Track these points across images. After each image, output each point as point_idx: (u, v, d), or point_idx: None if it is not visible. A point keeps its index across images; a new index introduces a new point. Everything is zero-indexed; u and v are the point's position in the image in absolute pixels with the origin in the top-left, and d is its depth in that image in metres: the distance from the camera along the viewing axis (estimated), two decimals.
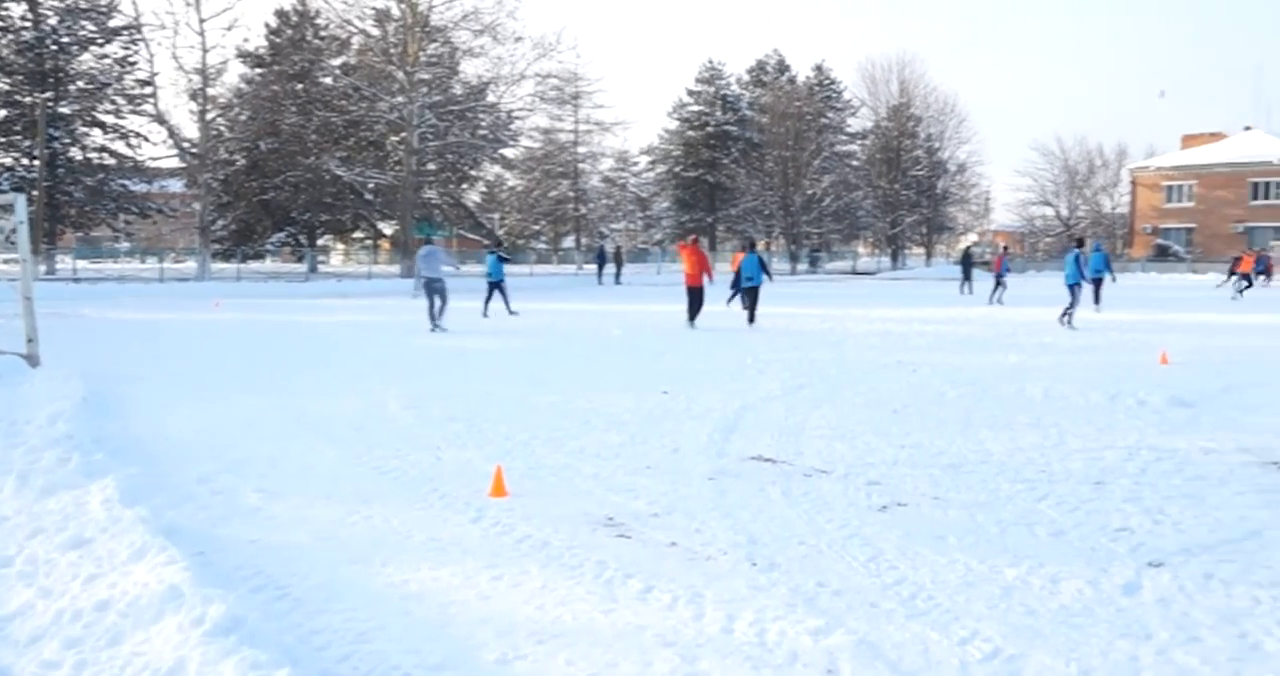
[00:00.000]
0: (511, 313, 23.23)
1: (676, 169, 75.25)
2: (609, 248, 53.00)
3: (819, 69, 78.51)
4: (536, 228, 73.43)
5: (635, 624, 4.40)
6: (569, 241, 74.10)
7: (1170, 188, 70.79)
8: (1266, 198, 66.69)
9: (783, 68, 78.82)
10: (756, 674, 3.91)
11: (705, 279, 20.08)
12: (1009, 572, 5.03)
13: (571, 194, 70.09)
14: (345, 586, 4.83)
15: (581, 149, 69.69)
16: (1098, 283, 23.56)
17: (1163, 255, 67.36)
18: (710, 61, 76.78)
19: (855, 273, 66.11)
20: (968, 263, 37.43)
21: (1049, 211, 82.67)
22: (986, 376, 12.44)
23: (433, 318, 19.17)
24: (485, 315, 23.01)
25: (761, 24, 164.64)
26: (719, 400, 10.56)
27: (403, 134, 47.88)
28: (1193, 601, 4.64)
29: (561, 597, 4.72)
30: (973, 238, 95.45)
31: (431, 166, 54.37)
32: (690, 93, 76.52)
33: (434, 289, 19.16)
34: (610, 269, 46.42)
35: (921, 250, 77.82)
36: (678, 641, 4.20)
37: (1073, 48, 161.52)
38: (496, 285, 23.92)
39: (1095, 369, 13.20)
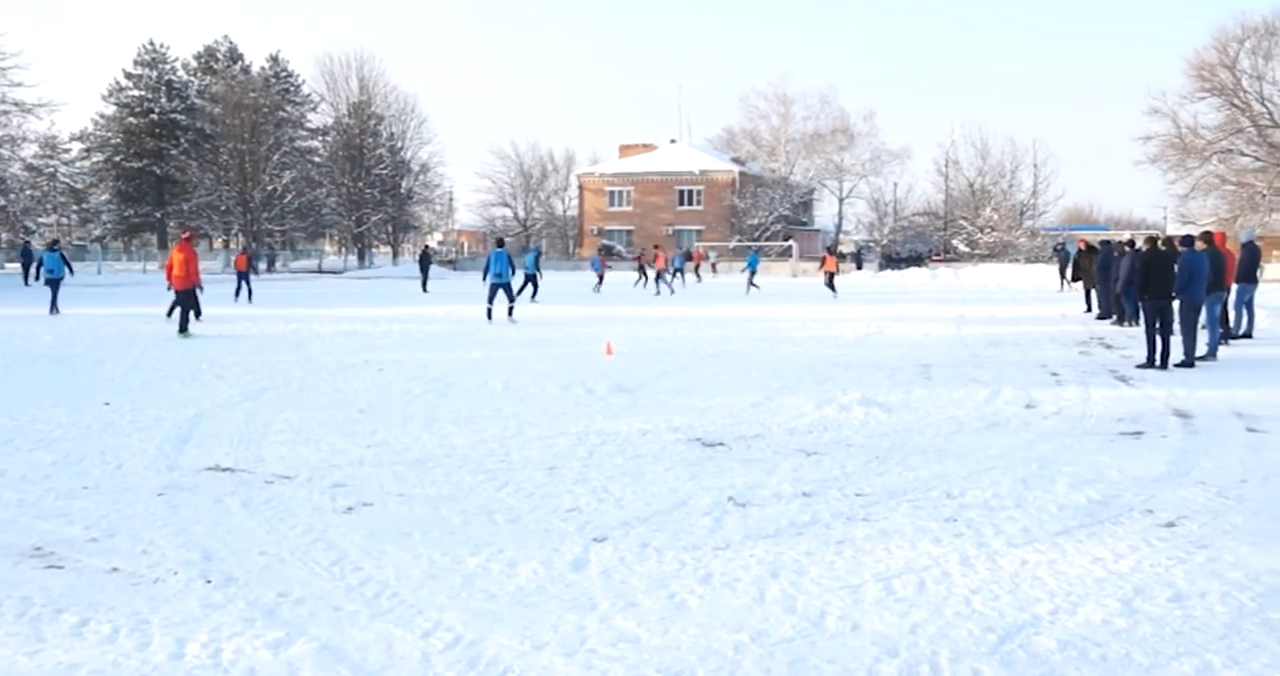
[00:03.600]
0: (54, 311, 23.01)
1: (117, 158, 68.98)
2: (37, 245, 47.13)
3: (275, 60, 75.84)
4: None
5: (67, 662, 3.94)
6: None
7: (612, 193, 77.61)
8: (690, 204, 75.50)
9: (235, 56, 75.13)
10: None
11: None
12: (470, 561, 5.20)
13: None
14: None
15: None
16: (530, 279, 26.37)
17: (609, 255, 73.62)
18: (152, 43, 71.25)
19: (321, 271, 64.82)
20: (426, 262, 38.35)
21: (508, 212, 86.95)
22: (451, 372, 12.79)
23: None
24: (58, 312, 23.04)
25: (208, 7, 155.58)
26: (170, 409, 9.83)
27: None
28: (631, 570, 5.10)
29: None
30: (438, 237, 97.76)
31: None
32: (129, 75, 70.47)
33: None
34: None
35: (389, 249, 78.12)
36: (118, 675, 3.83)
37: (523, 58, 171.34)
38: (55, 282, 23.70)
39: (550, 361, 14.09)
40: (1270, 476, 7.11)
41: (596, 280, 37.40)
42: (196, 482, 6.89)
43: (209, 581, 4.88)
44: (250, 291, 28.76)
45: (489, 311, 21.23)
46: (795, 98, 78.75)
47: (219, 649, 4.08)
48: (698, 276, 46.34)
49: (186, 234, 20.20)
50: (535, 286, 28.53)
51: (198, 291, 18.29)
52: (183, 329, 17.76)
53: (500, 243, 23.41)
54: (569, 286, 39.67)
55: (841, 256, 62.03)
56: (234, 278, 30.23)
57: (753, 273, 37.32)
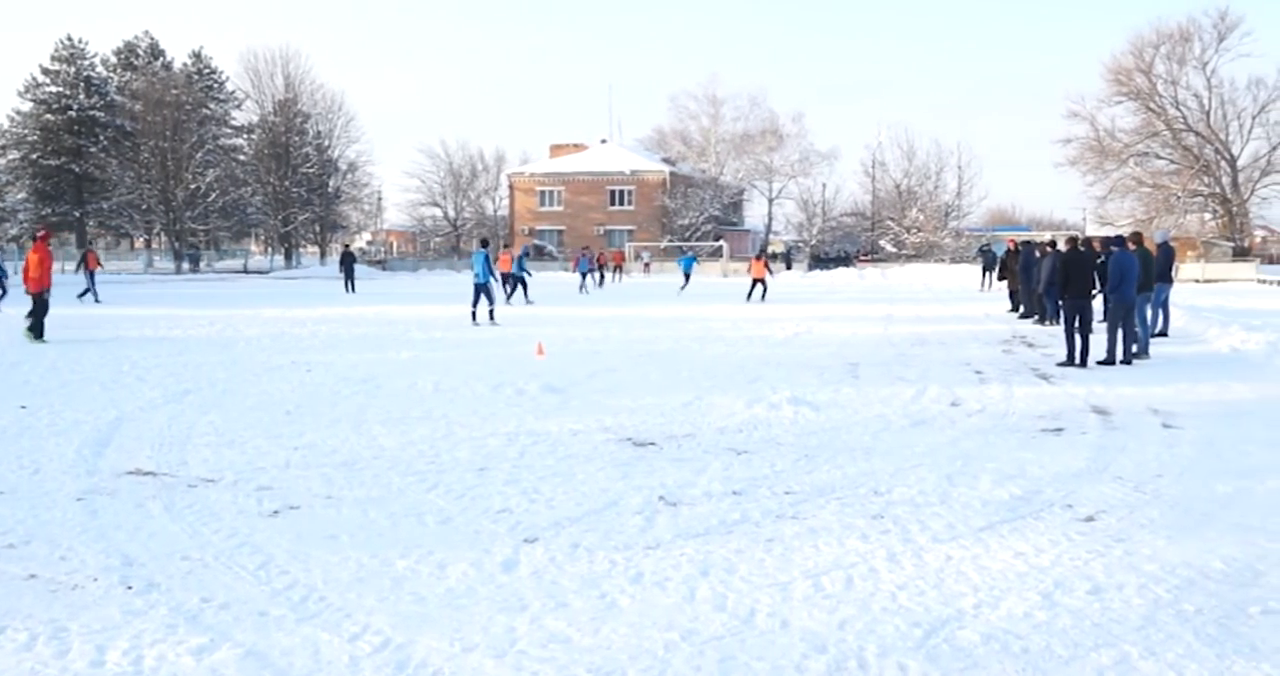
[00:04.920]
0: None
1: (34, 156, 67.19)
2: None
3: (198, 56, 74.48)
4: None
5: None
6: None
7: (543, 192, 77.30)
8: (621, 204, 75.52)
9: (156, 52, 73.63)
10: None
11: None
12: (399, 563, 5.16)
13: None
14: None
15: None
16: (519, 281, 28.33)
17: (539, 254, 73.38)
18: (70, 38, 69.47)
19: (247, 271, 63.72)
20: (349, 262, 37.95)
21: (438, 212, 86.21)
22: (380, 373, 12.65)
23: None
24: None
25: (128, 2, 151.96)
26: (89, 412, 9.59)
27: None
28: (562, 570, 5.09)
29: None
30: (366, 237, 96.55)
31: None
32: (46, 71, 68.65)
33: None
34: None
35: (316, 249, 77.04)
36: None
37: (452, 57, 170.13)
38: None
39: (481, 362, 14.00)
40: (1185, 471, 7.32)
41: (580, 280, 37.22)
42: (117, 487, 6.73)
43: (130, 587, 4.77)
44: (95, 292, 29.63)
45: (473, 314, 20.93)
46: (725, 98, 79.25)
47: (140, 656, 4.00)
48: (612, 277, 47.00)
49: (42, 232, 18.24)
50: (518, 286, 28.58)
51: (46, 293, 16.71)
52: (36, 332, 16.57)
53: (484, 243, 23.04)
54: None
55: (773, 257, 62.68)
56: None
57: (688, 274, 37.67)
